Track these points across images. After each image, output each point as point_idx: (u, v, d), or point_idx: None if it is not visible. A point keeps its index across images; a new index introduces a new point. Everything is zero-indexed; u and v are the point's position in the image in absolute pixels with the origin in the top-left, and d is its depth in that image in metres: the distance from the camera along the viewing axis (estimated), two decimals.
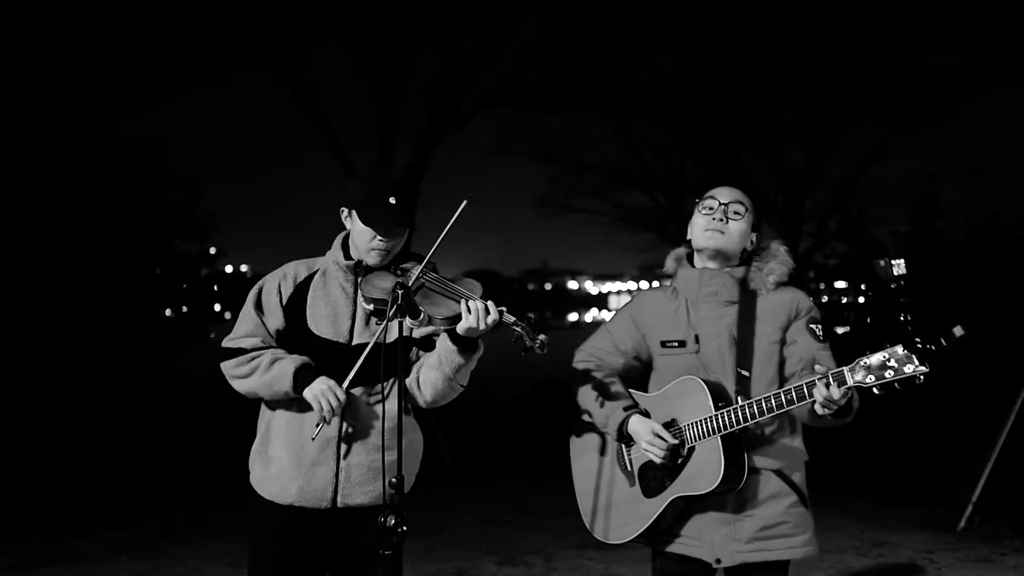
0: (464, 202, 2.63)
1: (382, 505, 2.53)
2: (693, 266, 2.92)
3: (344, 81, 35.92)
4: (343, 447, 2.78)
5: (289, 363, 2.76)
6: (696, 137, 21.31)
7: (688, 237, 2.93)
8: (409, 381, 2.83)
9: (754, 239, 2.89)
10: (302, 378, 2.73)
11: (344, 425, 2.78)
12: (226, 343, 2.87)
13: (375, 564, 2.43)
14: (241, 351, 2.82)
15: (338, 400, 2.70)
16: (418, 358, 2.86)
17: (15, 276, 14.15)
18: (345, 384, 2.72)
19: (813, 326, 2.82)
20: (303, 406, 2.78)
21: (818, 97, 20.55)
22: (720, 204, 2.83)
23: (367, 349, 2.72)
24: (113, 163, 16.57)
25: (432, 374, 2.75)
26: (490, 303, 2.61)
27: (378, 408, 2.79)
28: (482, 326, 2.60)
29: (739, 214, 2.83)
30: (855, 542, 6.13)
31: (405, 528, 2.41)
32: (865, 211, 21.98)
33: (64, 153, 15.31)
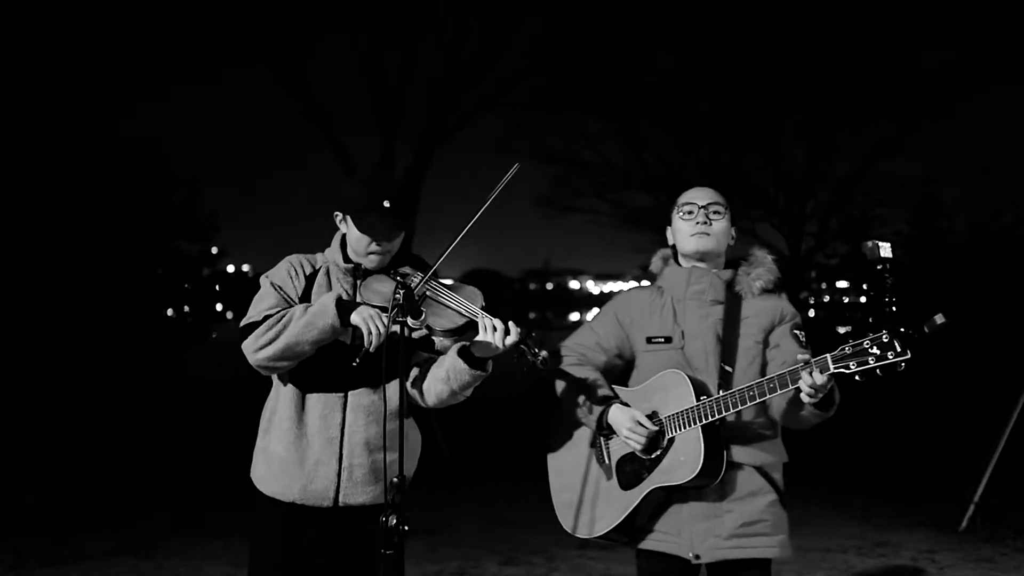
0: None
1: (383, 504, 2.52)
2: (680, 265, 2.96)
3: (344, 81, 35.99)
4: (345, 446, 2.77)
5: (327, 297, 2.63)
6: (697, 137, 21.33)
7: (671, 243, 3.00)
8: (410, 384, 2.81)
9: (734, 232, 2.97)
10: (344, 307, 2.62)
11: (346, 424, 2.77)
12: (245, 321, 2.73)
13: (377, 564, 2.42)
14: (263, 320, 2.68)
15: (384, 326, 2.55)
16: (417, 357, 2.86)
17: (16, 277, 14.14)
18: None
19: (797, 332, 2.88)
20: (305, 403, 2.78)
21: (819, 97, 20.55)
22: (700, 208, 2.90)
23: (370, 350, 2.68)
24: (114, 163, 16.56)
25: (438, 386, 2.74)
26: (511, 323, 2.58)
27: (380, 407, 2.78)
28: (499, 345, 2.58)
29: (719, 213, 2.92)
30: (857, 542, 6.12)
31: (407, 528, 2.41)
32: (867, 211, 21.99)
33: (65, 154, 15.29)
